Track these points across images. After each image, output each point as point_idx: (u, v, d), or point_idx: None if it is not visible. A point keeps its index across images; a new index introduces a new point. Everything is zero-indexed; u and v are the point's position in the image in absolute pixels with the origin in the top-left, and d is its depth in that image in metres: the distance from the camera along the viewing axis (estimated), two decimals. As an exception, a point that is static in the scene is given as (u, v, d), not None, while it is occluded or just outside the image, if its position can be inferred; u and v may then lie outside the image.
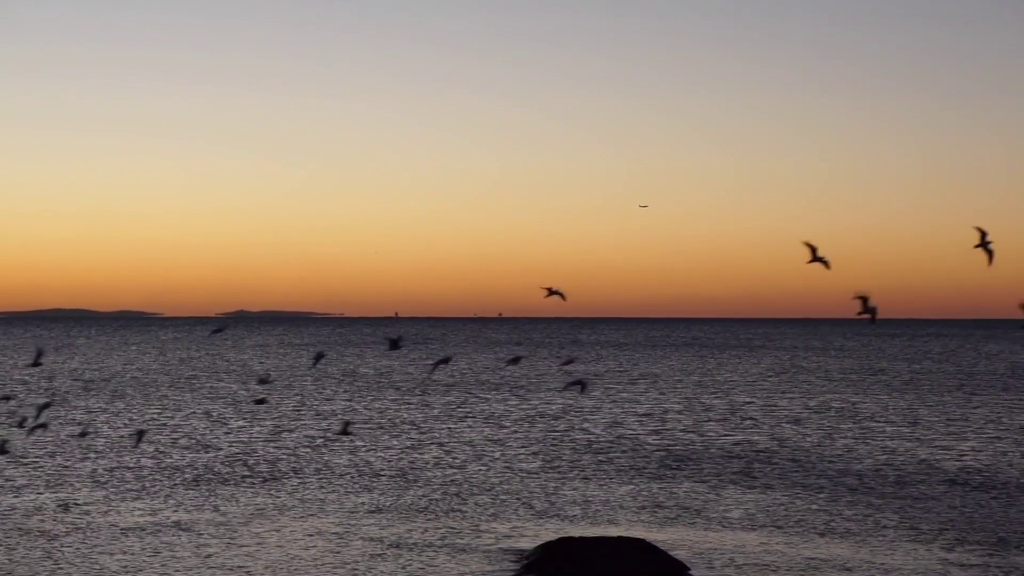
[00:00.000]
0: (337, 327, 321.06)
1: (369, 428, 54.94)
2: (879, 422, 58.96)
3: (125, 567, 25.97)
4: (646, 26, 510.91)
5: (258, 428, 54.54)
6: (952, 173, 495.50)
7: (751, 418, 60.83)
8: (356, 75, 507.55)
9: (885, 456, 45.73)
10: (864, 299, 19.38)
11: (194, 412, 62.52)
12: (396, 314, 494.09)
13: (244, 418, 59.16)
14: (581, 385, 21.72)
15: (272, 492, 36.20)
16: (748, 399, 73.25)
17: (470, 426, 56.13)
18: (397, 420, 58.69)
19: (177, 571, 25.65)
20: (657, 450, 47.19)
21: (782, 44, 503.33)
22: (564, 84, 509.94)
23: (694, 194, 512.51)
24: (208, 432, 52.85)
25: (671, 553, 25.86)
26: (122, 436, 50.38)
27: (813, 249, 19.34)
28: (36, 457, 43.51)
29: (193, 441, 49.26)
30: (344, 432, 29.93)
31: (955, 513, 33.22)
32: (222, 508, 33.32)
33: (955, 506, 34.39)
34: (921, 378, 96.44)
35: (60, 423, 55.90)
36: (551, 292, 19.84)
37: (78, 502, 33.99)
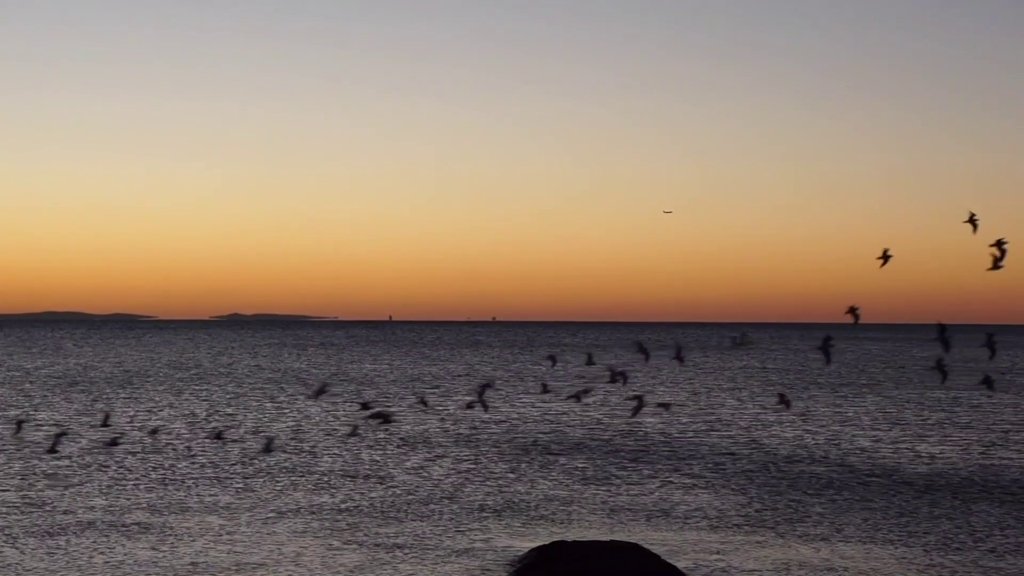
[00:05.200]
0: (333, 330, 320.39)
1: (361, 430, 54.70)
2: (879, 428, 59.01)
3: (107, 564, 25.75)
4: (638, 28, 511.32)
5: (245, 430, 54.28)
6: (939, 178, 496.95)
7: (744, 422, 60.78)
8: (350, 82, 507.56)
9: (884, 459, 45.71)
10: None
11: (178, 414, 62.23)
12: (390, 317, 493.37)
13: (230, 420, 58.90)
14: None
15: (262, 495, 35.96)
16: (741, 402, 73.22)
17: (463, 428, 55.95)
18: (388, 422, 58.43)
19: (154, 572, 25.44)
20: (651, 454, 47.09)
21: (762, 49, 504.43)
22: (559, 88, 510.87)
23: (685, 199, 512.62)
24: (185, 433, 52.55)
25: (665, 558, 25.73)
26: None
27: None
28: (13, 458, 43.22)
29: (169, 442, 48.97)
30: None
31: (924, 513, 33.22)
32: (205, 510, 33.07)
33: (924, 506, 34.38)
34: (902, 380, 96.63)
35: (34, 425, 55.56)
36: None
37: (50, 501, 33.72)
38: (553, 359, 25.62)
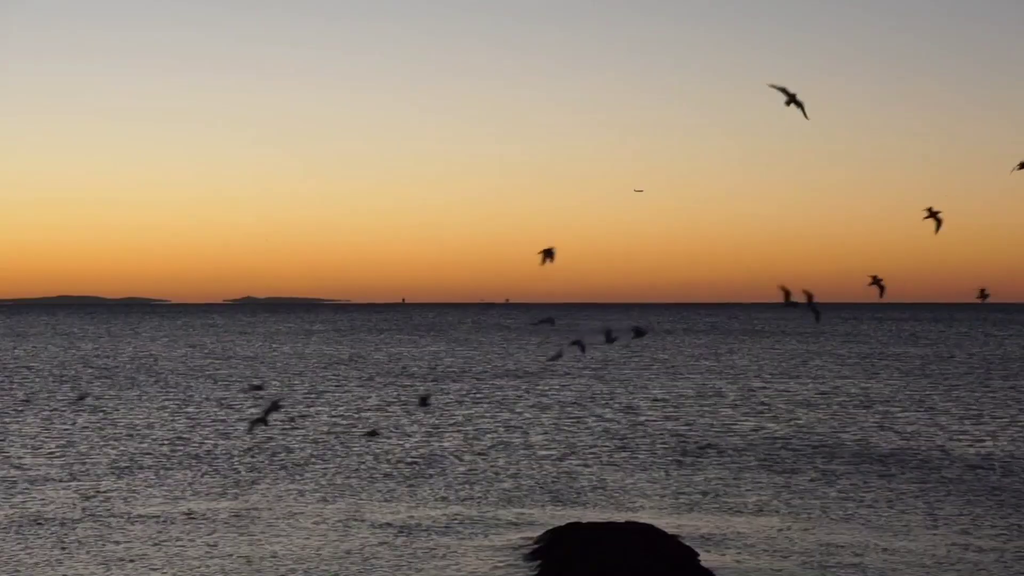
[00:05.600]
0: (345, 313, 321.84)
1: (382, 415, 54.97)
2: (892, 407, 58.79)
3: (134, 555, 26.01)
4: (647, 12, 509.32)
5: (272, 416, 54.57)
6: (959, 158, 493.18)
7: (762, 404, 60.71)
8: (360, 62, 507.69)
9: (895, 440, 45.58)
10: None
11: (207, 399, 62.69)
12: (403, 300, 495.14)
13: (258, 406, 59.28)
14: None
15: (282, 480, 36.24)
16: (760, 384, 73.11)
17: (481, 412, 56.12)
18: (409, 407, 58.73)
19: (186, 559, 25.69)
20: (668, 436, 47.13)
21: (781, 29, 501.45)
22: (569, 71, 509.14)
23: (702, 178, 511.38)
24: (223, 420, 52.96)
25: (680, 539, 25.81)
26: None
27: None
28: (57, 445, 43.71)
29: (207, 429, 49.35)
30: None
31: (971, 497, 33.07)
32: (235, 496, 33.36)
33: (971, 490, 34.23)
34: (934, 363, 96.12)
35: (77, 412, 56.13)
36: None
37: (99, 490, 34.08)
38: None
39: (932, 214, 18.72)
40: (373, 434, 32.77)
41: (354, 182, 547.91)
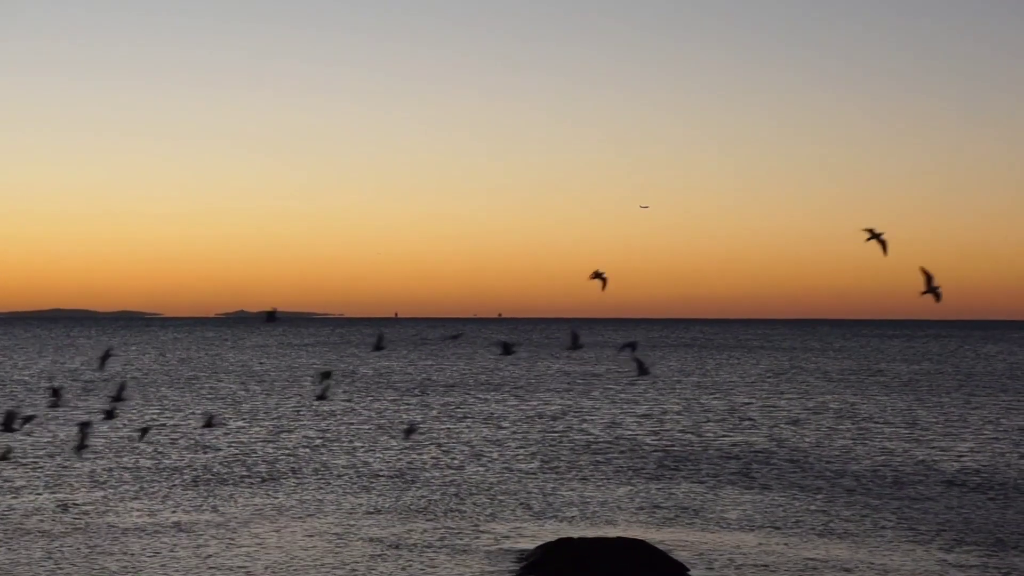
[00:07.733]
0: (337, 327, 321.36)
1: (367, 429, 54.96)
2: (878, 423, 59.03)
3: (124, 568, 25.99)
4: (648, 25, 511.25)
5: (256, 428, 54.57)
6: (951, 173, 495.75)
7: (750, 419, 60.90)
8: (356, 75, 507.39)
9: (883, 457, 45.80)
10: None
11: (194, 413, 62.55)
12: (396, 314, 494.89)
13: (243, 418, 59.24)
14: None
15: (271, 493, 36.24)
16: (747, 400, 73.33)
17: (469, 426, 56.17)
18: (395, 421, 58.73)
19: (175, 572, 25.67)
20: (656, 451, 47.25)
21: (784, 43, 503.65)
22: (565, 84, 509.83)
23: (693, 195, 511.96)
24: (207, 432, 52.84)
25: (670, 554, 25.90)
26: (123, 436, 50.42)
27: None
28: (35, 457, 43.57)
29: (192, 441, 49.27)
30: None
31: (953, 514, 33.27)
32: (221, 509, 33.35)
33: (953, 507, 34.44)
34: (919, 379, 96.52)
35: (59, 423, 56.01)
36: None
37: (77, 502, 34.02)
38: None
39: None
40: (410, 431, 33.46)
41: (347, 195, 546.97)
